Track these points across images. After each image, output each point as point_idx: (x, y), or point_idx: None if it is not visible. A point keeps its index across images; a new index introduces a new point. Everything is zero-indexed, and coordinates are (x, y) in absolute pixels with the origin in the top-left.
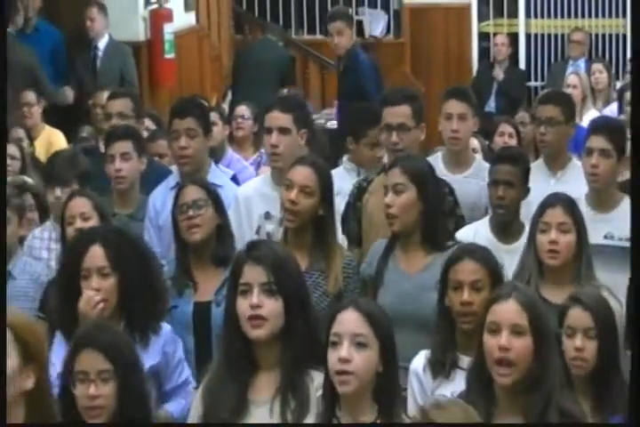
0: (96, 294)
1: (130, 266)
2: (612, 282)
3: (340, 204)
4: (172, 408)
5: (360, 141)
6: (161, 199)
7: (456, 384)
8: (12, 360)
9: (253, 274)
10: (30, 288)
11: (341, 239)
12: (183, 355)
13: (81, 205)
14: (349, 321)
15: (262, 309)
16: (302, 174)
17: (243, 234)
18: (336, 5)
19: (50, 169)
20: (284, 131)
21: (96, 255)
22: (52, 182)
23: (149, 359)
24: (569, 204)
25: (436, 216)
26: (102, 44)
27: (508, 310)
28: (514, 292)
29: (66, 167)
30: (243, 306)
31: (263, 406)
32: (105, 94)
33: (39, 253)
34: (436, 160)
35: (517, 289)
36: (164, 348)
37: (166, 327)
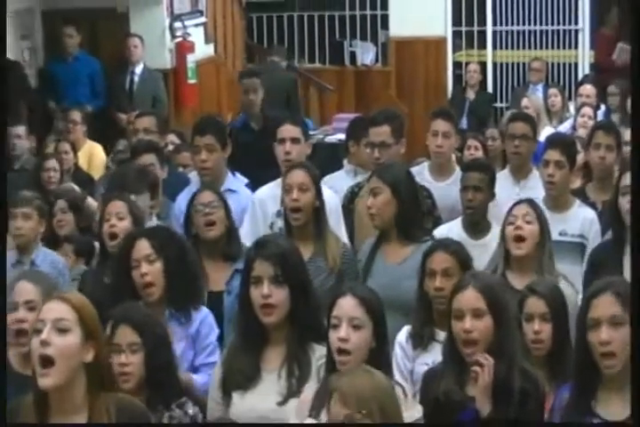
0: (146, 278)
1: (171, 253)
2: (566, 271)
3: (338, 202)
4: (198, 379)
5: (360, 142)
6: (184, 202)
7: (433, 355)
8: (75, 337)
9: (263, 268)
10: (51, 275)
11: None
12: (216, 342)
13: (118, 206)
14: (347, 306)
15: (272, 298)
16: (297, 175)
17: (258, 229)
18: (333, 38)
19: (124, 179)
20: (295, 140)
21: (142, 247)
22: (127, 191)
23: (187, 331)
24: (532, 203)
25: (410, 213)
26: (138, 70)
27: (468, 298)
28: (472, 280)
29: (138, 178)
30: (255, 295)
31: (272, 374)
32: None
33: None
34: (423, 169)
35: (475, 277)
36: (199, 327)
37: (210, 316)
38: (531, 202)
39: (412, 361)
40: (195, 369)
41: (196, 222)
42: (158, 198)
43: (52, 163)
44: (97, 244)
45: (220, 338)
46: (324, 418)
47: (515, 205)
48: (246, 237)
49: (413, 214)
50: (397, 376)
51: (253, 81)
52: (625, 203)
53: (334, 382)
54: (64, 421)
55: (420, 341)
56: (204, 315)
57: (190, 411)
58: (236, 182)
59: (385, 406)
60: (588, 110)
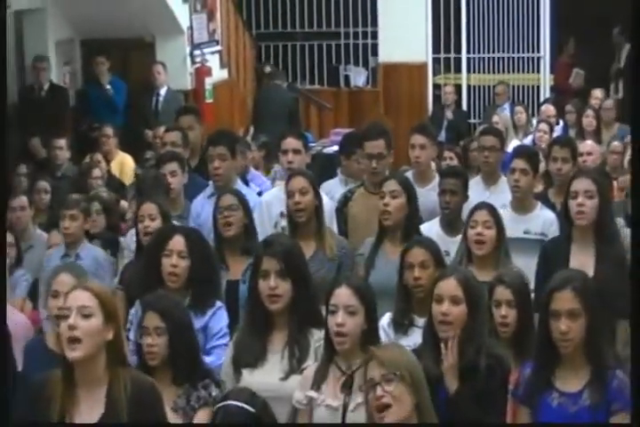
0: (174, 269)
1: (199, 255)
2: (530, 265)
3: (332, 205)
4: (211, 360)
5: (350, 158)
6: (200, 204)
7: (412, 339)
8: (97, 320)
9: (270, 264)
10: (92, 267)
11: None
12: (226, 329)
13: (150, 208)
14: (343, 295)
15: (278, 289)
16: (297, 182)
17: (265, 228)
18: (330, 64)
19: (140, 186)
20: (296, 152)
21: (178, 242)
22: (144, 195)
23: (200, 323)
24: (491, 208)
25: (415, 217)
26: (163, 91)
27: (448, 285)
28: (454, 271)
29: (153, 184)
30: (263, 286)
31: (276, 354)
32: (162, 129)
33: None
34: (408, 177)
35: (457, 270)
36: (211, 318)
37: (222, 308)
38: (490, 208)
39: None
40: (207, 352)
41: (218, 223)
42: (179, 200)
43: (98, 172)
44: (121, 239)
45: (236, 320)
46: (324, 390)
47: (475, 209)
48: None
49: (416, 219)
50: None
51: (187, 119)
52: (574, 205)
53: (371, 352)
54: (87, 391)
55: (400, 327)
56: (216, 308)
57: (213, 393)
58: (247, 190)
59: (413, 372)
60: (543, 126)
